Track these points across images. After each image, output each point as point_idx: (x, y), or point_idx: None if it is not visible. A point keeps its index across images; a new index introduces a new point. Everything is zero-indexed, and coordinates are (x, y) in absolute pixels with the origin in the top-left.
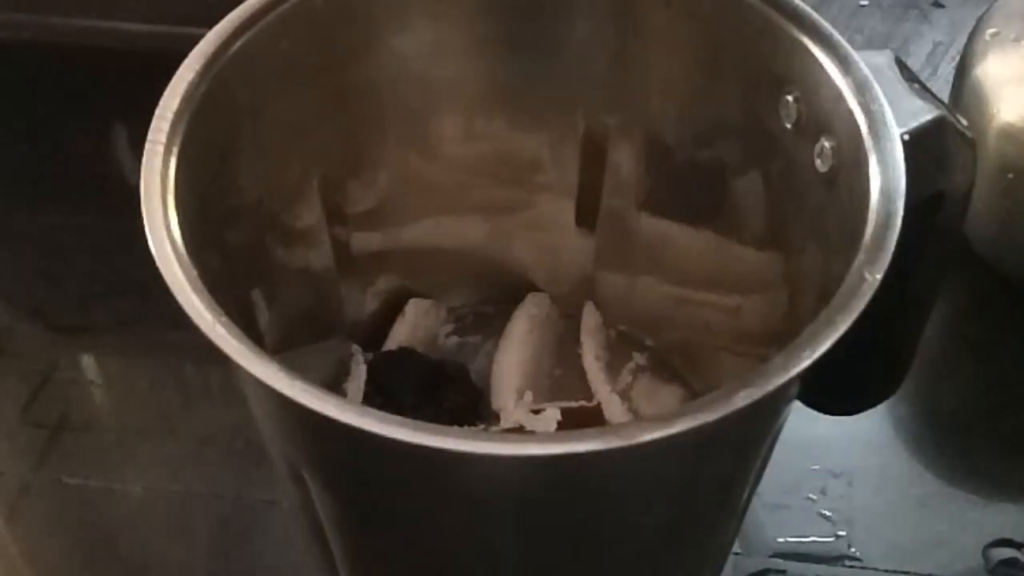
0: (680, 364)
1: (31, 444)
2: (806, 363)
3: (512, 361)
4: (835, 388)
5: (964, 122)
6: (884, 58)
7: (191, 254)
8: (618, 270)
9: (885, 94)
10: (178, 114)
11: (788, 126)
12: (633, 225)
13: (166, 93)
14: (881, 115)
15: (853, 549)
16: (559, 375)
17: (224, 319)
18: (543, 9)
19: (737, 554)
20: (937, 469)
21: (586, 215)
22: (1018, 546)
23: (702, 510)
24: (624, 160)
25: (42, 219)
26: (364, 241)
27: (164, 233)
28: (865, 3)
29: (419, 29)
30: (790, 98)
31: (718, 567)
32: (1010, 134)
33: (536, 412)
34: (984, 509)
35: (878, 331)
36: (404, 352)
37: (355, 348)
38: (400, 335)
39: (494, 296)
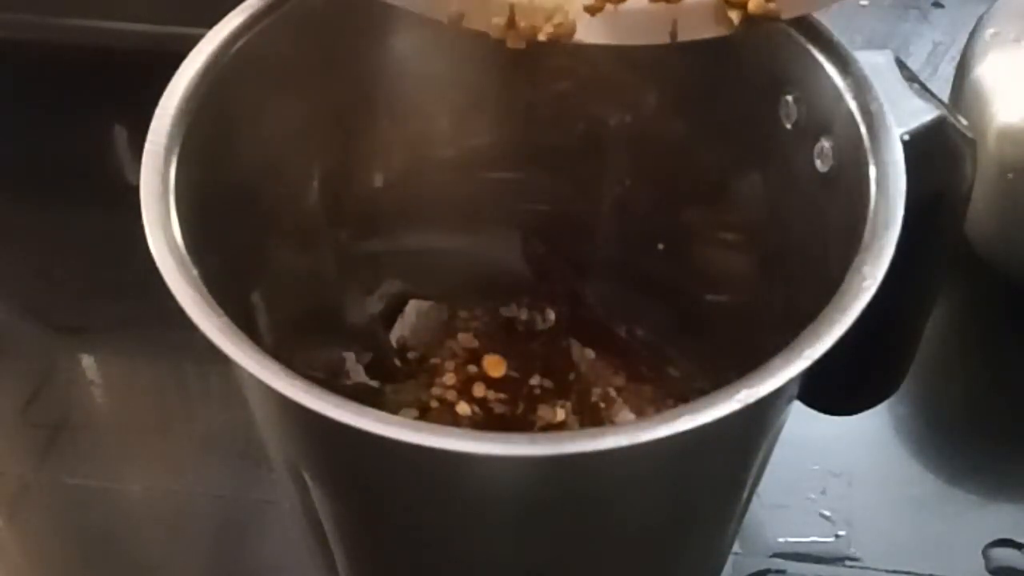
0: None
1: (31, 444)
2: (806, 363)
3: None
4: (835, 388)
5: (964, 122)
6: (884, 58)
7: (191, 254)
8: (618, 271)
9: (885, 94)
10: (178, 114)
11: (788, 126)
12: (633, 225)
13: (166, 93)
14: (881, 115)
15: (853, 549)
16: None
17: (224, 319)
18: None
19: (737, 554)
20: (937, 469)
21: (586, 215)
22: (1018, 546)
23: (702, 510)
24: (623, 160)
25: (42, 219)
26: (364, 242)
27: (164, 233)
28: (865, 3)
29: (419, 29)
30: (790, 98)
31: (718, 567)
32: (1010, 134)
33: None
34: (984, 509)
35: (878, 331)
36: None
37: (355, 348)
38: (400, 336)
39: (494, 296)
